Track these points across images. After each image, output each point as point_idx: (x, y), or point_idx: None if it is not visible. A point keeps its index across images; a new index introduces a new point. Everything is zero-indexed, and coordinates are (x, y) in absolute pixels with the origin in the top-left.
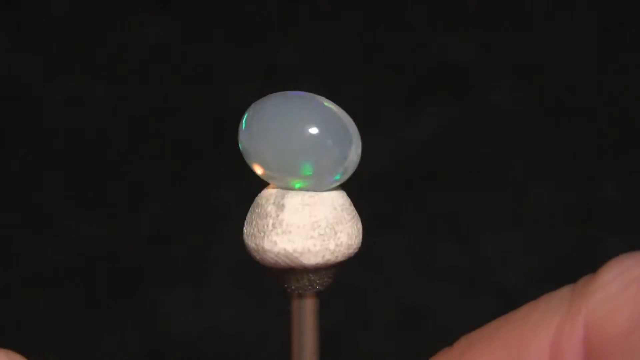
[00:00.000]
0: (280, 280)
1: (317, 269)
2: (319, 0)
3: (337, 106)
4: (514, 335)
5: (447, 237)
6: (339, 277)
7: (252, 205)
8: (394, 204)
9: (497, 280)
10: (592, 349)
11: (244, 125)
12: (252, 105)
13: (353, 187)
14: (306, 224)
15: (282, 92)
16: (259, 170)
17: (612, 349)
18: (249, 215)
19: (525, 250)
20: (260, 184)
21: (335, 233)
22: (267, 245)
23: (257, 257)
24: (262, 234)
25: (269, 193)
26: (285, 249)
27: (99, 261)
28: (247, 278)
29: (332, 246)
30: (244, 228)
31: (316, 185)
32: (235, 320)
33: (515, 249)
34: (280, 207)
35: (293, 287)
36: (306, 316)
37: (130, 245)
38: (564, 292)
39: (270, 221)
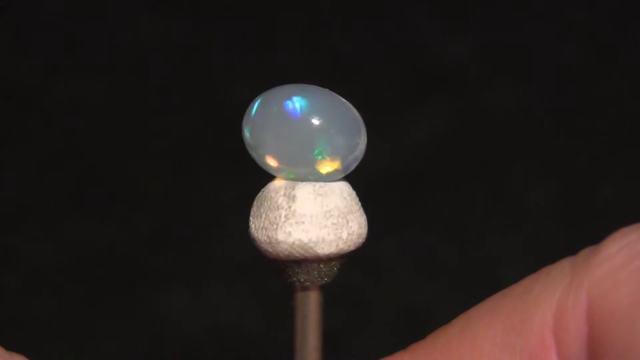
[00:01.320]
0: (287, 273)
1: (329, 259)
2: (319, 0)
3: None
4: (515, 309)
5: (447, 237)
6: (342, 272)
7: (258, 199)
8: (393, 204)
9: (497, 281)
10: (594, 321)
11: (253, 113)
12: (263, 95)
13: (353, 187)
14: (319, 213)
15: (292, 84)
16: (272, 162)
17: (614, 323)
18: (254, 209)
19: (525, 251)
20: (259, 182)
21: (347, 222)
22: (280, 236)
23: (270, 250)
24: (275, 225)
25: (277, 185)
26: (300, 239)
27: (99, 261)
28: (247, 278)
29: (344, 235)
30: (251, 223)
31: (327, 175)
32: (235, 320)
33: (515, 249)
34: (292, 198)
35: (302, 279)
36: (311, 309)
37: (130, 245)
38: (565, 264)
39: (283, 212)
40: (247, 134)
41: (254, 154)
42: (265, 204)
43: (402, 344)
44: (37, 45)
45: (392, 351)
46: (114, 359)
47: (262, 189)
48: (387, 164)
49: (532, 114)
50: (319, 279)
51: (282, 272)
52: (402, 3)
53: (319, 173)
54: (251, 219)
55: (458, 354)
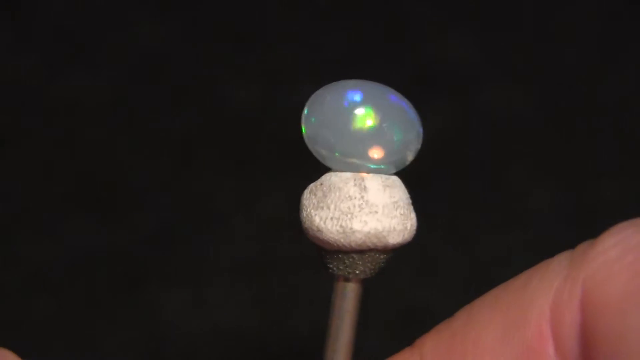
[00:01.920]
0: (336, 264)
1: (392, 250)
2: (319, 0)
3: None
4: (514, 302)
5: (446, 237)
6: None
7: (319, 191)
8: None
9: (497, 281)
10: (588, 312)
11: (308, 109)
12: (319, 91)
13: None
14: (389, 204)
15: (348, 80)
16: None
17: (607, 314)
18: (316, 201)
19: (525, 251)
20: (259, 181)
21: (410, 213)
22: (356, 225)
23: (342, 240)
24: (349, 215)
25: (345, 177)
26: (375, 228)
27: (99, 261)
28: (248, 278)
29: (409, 226)
30: (314, 215)
31: (388, 167)
32: (236, 320)
33: (515, 248)
34: (364, 188)
35: (357, 270)
36: (353, 301)
37: (130, 245)
38: (562, 257)
39: (357, 202)
40: (304, 129)
41: (312, 147)
42: (333, 195)
43: (402, 344)
44: (37, 45)
45: (392, 351)
46: (114, 358)
47: (319, 182)
48: None
49: (532, 114)
50: (372, 271)
51: (329, 261)
52: (402, 2)
53: (371, 166)
54: (312, 211)
55: (462, 348)
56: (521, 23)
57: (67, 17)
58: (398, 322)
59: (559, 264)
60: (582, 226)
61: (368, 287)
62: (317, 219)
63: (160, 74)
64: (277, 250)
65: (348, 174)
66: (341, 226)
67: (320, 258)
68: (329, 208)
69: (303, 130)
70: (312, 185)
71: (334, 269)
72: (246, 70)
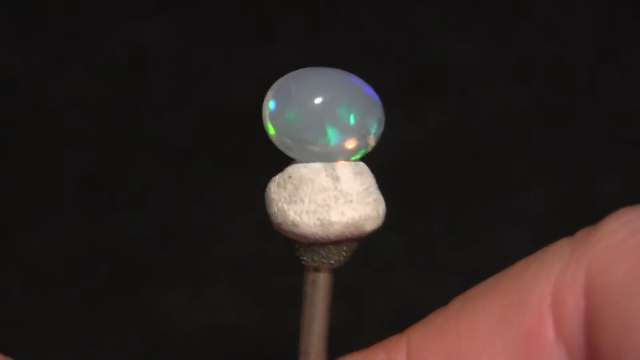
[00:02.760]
0: (309, 255)
1: (368, 236)
2: (319, 0)
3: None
4: (513, 286)
5: (446, 237)
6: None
7: (289, 184)
8: (393, 203)
9: None
10: (592, 296)
11: (270, 101)
12: (277, 82)
13: None
14: (361, 191)
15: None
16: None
17: (611, 298)
18: (287, 195)
19: (525, 251)
20: (258, 182)
21: (380, 197)
22: (334, 217)
23: (320, 233)
24: (326, 207)
25: (315, 167)
26: (352, 218)
27: (99, 261)
28: (248, 277)
29: (381, 211)
30: (287, 210)
31: (355, 153)
32: (236, 319)
33: (515, 248)
34: (336, 178)
35: (332, 261)
36: (326, 291)
37: (130, 245)
38: (563, 243)
39: (331, 193)
40: (268, 120)
41: (278, 138)
42: (306, 187)
43: None
44: (36, 45)
45: None
46: (114, 358)
47: (286, 174)
48: (386, 163)
49: (532, 114)
50: (346, 259)
51: (303, 254)
52: (402, 2)
53: (332, 153)
54: (285, 205)
55: (456, 332)
56: (521, 22)
57: (67, 17)
58: (395, 321)
59: (560, 249)
60: (582, 225)
61: (368, 287)
62: (291, 214)
63: (160, 74)
64: (277, 250)
65: (317, 165)
66: (318, 219)
67: (293, 251)
68: (302, 201)
69: (267, 122)
70: (277, 179)
71: (308, 260)
72: (246, 70)
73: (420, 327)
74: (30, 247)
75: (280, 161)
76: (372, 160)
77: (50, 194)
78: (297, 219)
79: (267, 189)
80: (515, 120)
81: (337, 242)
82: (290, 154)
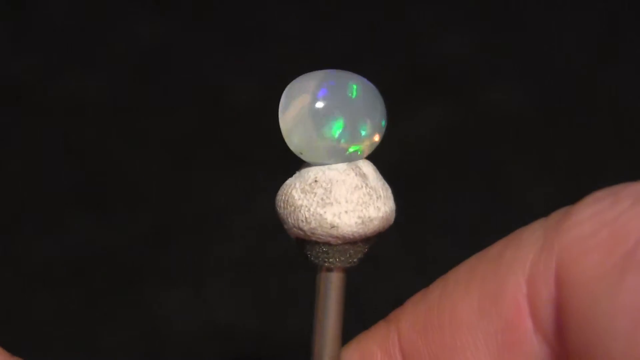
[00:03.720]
0: (339, 254)
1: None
2: (318, 0)
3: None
4: (489, 274)
5: (446, 237)
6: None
7: (318, 188)
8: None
9: None
10: (561, 287)
11: (282, 103)
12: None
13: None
14: (382, 185)
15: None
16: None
17: (579, 293)
18: (318, 199)
19: None
20: (258, 181)
21: (390, 192)
22: (373, 213)
23: (361, 231)
24: (364, 204)
25: (341, 168)
26: (386, 212)
27: (99, 261)
28: (247, 277)
29: (394, 206)
30: (323, 213)
31: (360, 152)
32: (235, 319)
33: None
34: (363, 175)
35: (355, 259)
36: (340, 290)
37: (130, 245)
38: (537, 227)
39: (365, 191)
40: (281, 124)
41: (288, 141)
42: (339, 188)
43: None
44: (36, 45)
45: None
46: (114, 358)
47: (311, 179)
48: (385, 162)
49: (532, 114)
50: (363, 256)
51: (325, 255)
52: (402, 2)
53: (339, 153)
54: (319, 209)
55: (438, 322)
56: (521, 22)
57: (67, 17)
58: None
59: (534, 233)
60: None
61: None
62: (329, 216)
63: (159, 74)
64: (277, 250)
65: (342, 165)
66: (359, 217)
67: (306, 254)
68: (339, 203)
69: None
70: (299, 185)
71: (328, 261)
72: (246, 70)
73: (404, 314)
74: (30, 247)
75: (281, 161)
76: (372, 160)
77: (50, 194)
78: (337, 220)
79: (289, 198)
80: (515, 120)
81: (367, 239)
82: (309, 153)
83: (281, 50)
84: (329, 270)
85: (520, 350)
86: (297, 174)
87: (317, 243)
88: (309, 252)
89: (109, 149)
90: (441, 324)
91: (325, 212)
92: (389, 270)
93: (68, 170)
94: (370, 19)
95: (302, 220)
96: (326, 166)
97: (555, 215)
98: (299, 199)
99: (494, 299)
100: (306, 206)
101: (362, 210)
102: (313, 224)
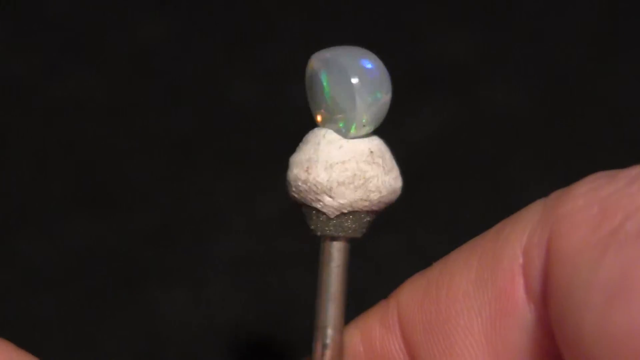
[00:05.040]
0: (351, 223)
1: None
2: (318, 0)
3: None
4: (488, 248)
5: (445, 236)
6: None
7: (377, 157)
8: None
9: None
10: (549, 259)
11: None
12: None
13: None
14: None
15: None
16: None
17: (561, 264)
18: (383, 168)
19: None
20: (258, 181)
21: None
22: (397, 183)
23: (390, 198)
24: (391, 174)
25: (378, 139)
26: (402, 181)
27: (99, 261)
28: (247, 278)
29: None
30: (389, 180)
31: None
32: (235, 319)
33: None
34: (384, 149)
35: (364, 229)
36: (343, 256)
37: (130, 245)
38: (537, 203)
39: (390, 162)
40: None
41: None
42: (388, 154)
43: None
44: (36, 45)
45: None
46: (114, 358)
47: (368, 150)
48: None
49: (532, 114)
50: (366, 229)
51: (341, 224)
52: (402, 1)
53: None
54: (385, 177)
55: (436, 294)
56: (521, 22)
57: (67, 17)
58: None
59: (533, 209)
60: None
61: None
62: (397, 182)
63: (159, 73)
64: (277, 249)
65: (363, 140)
66: (390, 186)
67: (319, 224)
68: (395, 168)
69: (325, 87)
70: (362, 159)
71: (337, 230)
72: (245, 70)
73: (405, 291)
74: (30, 247)
75: (280, 161)
76: None
77: (50, 193)
78: (397, 185)
79: (357, 171)
80: (516, 119)
81: (368, 211)
82: (329, 122)
83: (281, 50)
84: (334, 239)
85: (512, 317)
86: (320, 156)
87: (368, 212)
88: (347, 223)
89: (109, 149)
90: (438, 296)
91: (390, 179)
92: (389, 270)
93: (68, 170)
94: (371, 19)
95: (372, 191)
96: (368, 138)
97: (555, 193)
98: (367, 171)
99: (491, 269)
100: (375, 176)
101: (391, 183)
102: (384, 192)
